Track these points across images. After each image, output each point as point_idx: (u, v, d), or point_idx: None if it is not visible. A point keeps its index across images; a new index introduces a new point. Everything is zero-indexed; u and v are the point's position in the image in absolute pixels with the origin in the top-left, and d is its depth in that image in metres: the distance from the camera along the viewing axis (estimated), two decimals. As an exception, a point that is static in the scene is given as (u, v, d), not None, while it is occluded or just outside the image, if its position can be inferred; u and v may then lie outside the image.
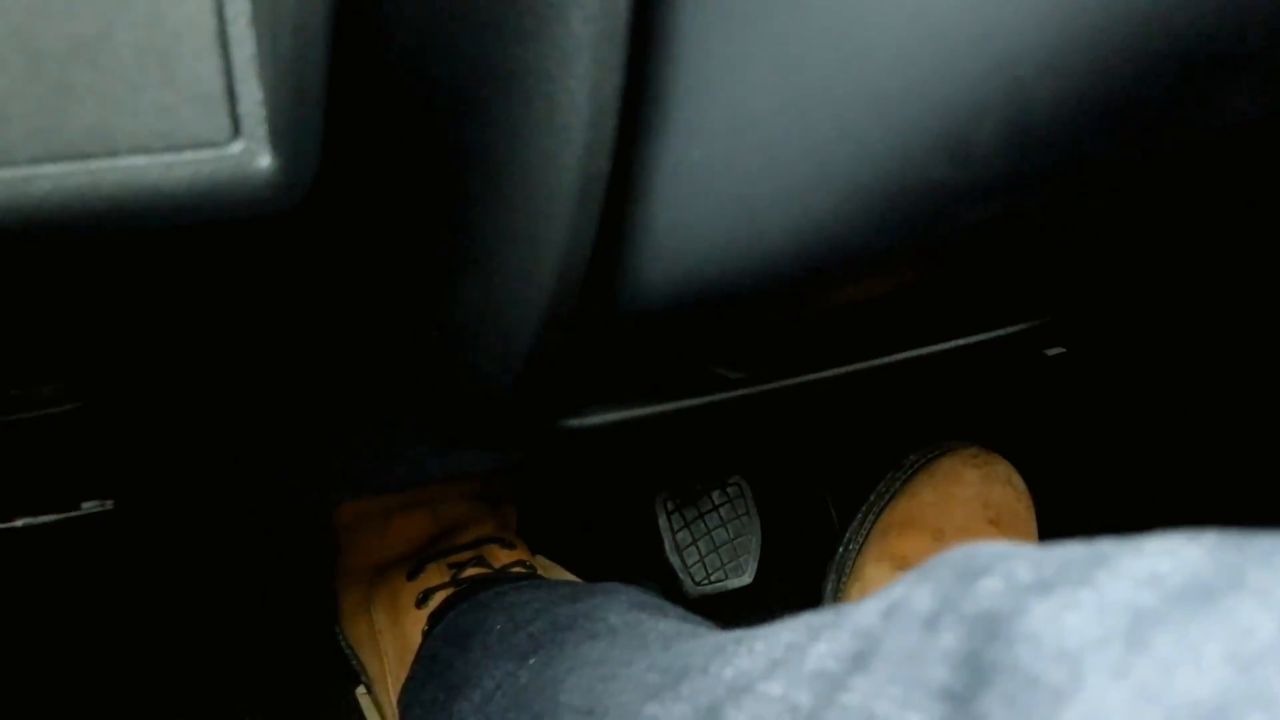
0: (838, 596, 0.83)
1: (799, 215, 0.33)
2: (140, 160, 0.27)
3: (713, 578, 0.82)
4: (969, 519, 0.82)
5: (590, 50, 0.29)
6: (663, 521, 0.82)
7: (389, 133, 0.34)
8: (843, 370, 0.50)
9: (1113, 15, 0.27)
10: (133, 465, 0.49)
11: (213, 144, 0.28)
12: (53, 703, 0.76)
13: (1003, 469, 0.85)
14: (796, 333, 0.48)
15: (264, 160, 0.28)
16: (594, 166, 0.31)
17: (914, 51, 0.29)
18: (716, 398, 0.49)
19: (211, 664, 0.80)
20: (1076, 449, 0.94)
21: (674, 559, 0.82)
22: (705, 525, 0.83)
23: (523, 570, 0.74)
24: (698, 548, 0.83)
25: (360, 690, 0.78)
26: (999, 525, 0.82)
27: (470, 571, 0.73)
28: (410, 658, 0.71)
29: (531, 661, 0.54)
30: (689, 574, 0.82)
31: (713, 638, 0.44)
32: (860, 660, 0.34)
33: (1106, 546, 0.31)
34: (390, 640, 0.74)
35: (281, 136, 0.28)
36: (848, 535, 0.85)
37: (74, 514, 0.50)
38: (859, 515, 0.85)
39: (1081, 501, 0.91)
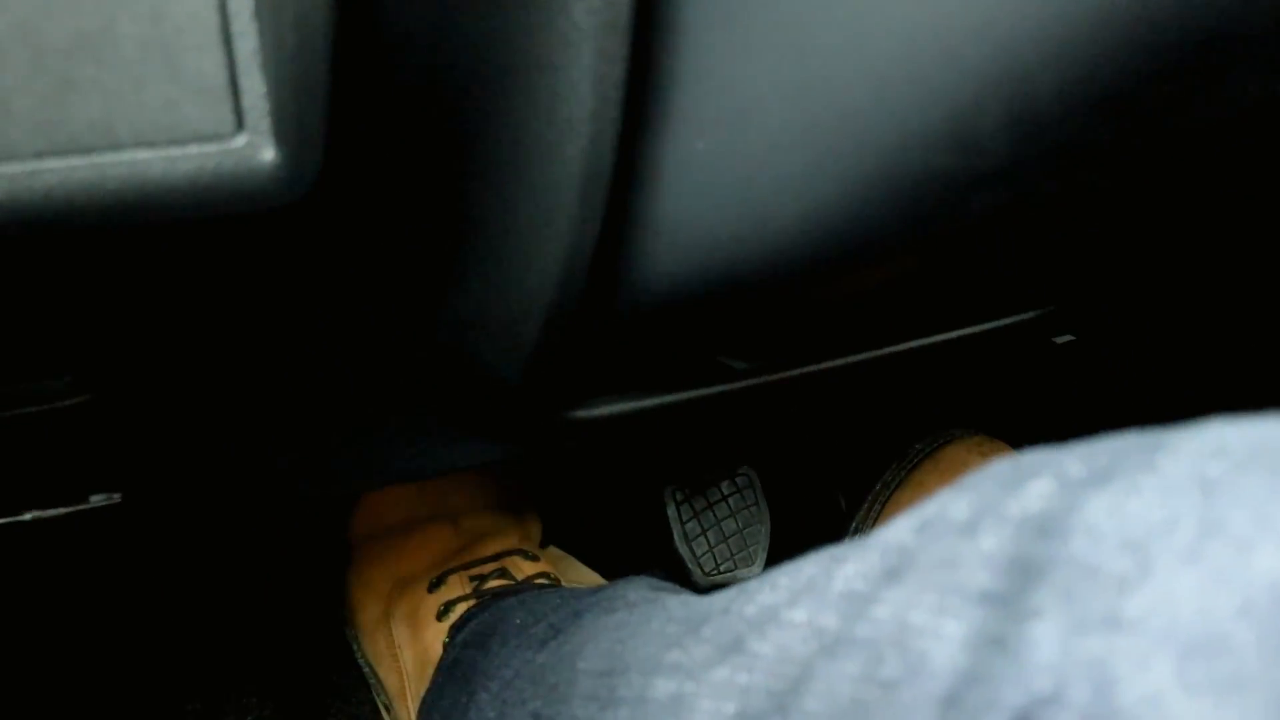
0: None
1: (804, 204, 0.33)
2: (144, 154, 0.27)
3: (722, 568, 0.82)
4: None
5: (593, 41, 0.29)
6: (672, 512, 0.82)
7: (392, 126, 0.34)
8: (849, 360, 0.50)
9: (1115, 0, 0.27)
10: (140, 458, 0.50)
11: (216, 138, 0.28)
12: (62, 694, 0.77)
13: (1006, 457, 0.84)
14: (802, 323, 0.48)
15: (267, 153, 0.28)
16: (598, 157, 0.31)
17: (917, 39, 0.29)
18: (723, 389, 0.49)
19: (220, 654, 0.80)
20: (1079, 437, 0.94)
21: (683, 549, 0.82)
22: (714, 515, 0.83)
23: (546, 582, 0.71)
24: (707, 538, 0.82)
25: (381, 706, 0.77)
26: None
27: (493, 584, 0.70)
28: (430, 670, 0.68)
29: (550, 644, 0.52)
30: (699, 564, 0.82)
31: (734, 588, 0.41)
32: (891, 575, 0.31)
33: (1163, 434, 0.28)
34: (410, 654, 0.71)
35: (285, 130, 0.28)
36: (855, 524, 0.85)
37: (82, 507, 0.50)
38: (865, 504, 0.85)
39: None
